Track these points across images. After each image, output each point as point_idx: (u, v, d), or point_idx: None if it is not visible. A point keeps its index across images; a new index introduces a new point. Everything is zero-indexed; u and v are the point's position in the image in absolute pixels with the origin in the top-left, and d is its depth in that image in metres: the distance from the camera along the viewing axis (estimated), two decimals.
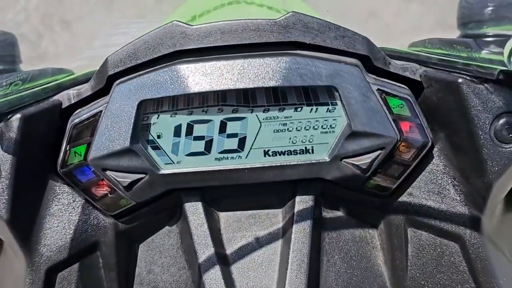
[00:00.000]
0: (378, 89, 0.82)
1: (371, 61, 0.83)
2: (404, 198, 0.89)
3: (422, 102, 0.87)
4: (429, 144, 0.85)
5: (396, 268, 0.93)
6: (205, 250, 0.88)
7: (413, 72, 0.87)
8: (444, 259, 0.88)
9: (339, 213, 0.96)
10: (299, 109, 0.83)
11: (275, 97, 0.83)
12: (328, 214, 0.95)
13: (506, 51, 0.69)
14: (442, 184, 0.87)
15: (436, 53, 0.86)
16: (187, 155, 0.85)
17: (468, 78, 0.79)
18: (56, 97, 0.87)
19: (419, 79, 0.86)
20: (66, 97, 0.87)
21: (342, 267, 0.94)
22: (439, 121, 0.86)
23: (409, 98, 0.83)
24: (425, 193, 0.88)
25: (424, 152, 0.85)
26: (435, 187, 0.88)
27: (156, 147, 0.84)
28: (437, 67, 0.85)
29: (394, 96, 0.83)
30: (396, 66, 0.86)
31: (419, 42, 0.92)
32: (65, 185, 0.89)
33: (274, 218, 0.93)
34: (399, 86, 0.85)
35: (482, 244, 0.84)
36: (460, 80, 0.79)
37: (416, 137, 0.84)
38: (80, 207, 0.89)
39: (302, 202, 0.89)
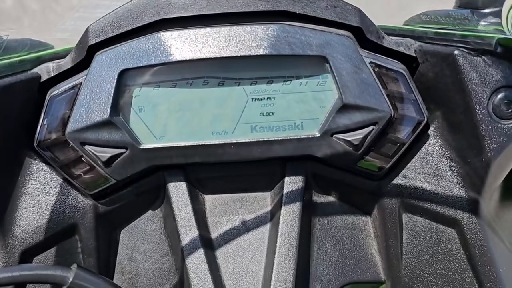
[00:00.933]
0: (371, 62, 0.78)
1: (363, 35, 0.80)
2: (398, 180, 0.85)
3: (417, 80, 0.83)
4: (424, 121, 0.81)
5: (390, 257, 0.89)
6: (188, 232, 0.84)
7: (407, 47, 0.83)
8: (440, 246, 0.84)
9: (331, 198, 0.92)
10: (288, 82, 0.79)
11: (263, 69, 0.79)
12: (319, 198, 0.91)
13: (504, 12, 0.66)
14: (438, 165, 0.83)
15: (432, 27, 0.82)
16: (170, 129, 0.80)
17: (465, 50, 0.76)
18: (34, 70, 0.83)
19: (413, 54, 0.83)
20: (45, 70, 0.83)
21: (334, 256, 0.90)
22: (435, 98, 0.82)
23: (403, 72, 0.80)
24: (420, 175, 0.84)
25: (419, 130, 0.82)
26: (430, 168, 0.84)
27: (138, 121, 0.80)
28: (433, 42, 0.81)
29: (388, 69, 0.79)
30: (390, 40, 0.83)
31: (415, 17, 0.88)
32: (42, 163, 0.85)
33: (262, 201, 0.89)
34: (393, 61, 0.81)
35: (481, 229, 0.80)
36: (456, 52, 0.76)
37: (410, 114, 0.80)
38: (57, 186, 0.85)
39: (292, 183, 0.85)
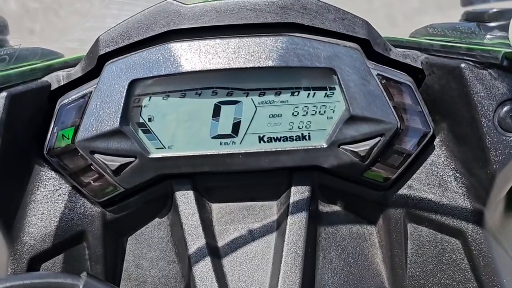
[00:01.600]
0: (378, 74, 0.79)
1: (370, 47, 0.81)
2: (404, 191, 0.86)
3: (424, 92, 0.84)
4: (430, 133, 0.82)
5: (395, 266, 0.89)
6: (195, 241, 0.84)
7: (414, 59, 0.84)
8: (445, 257, 0.84)
9: (336, 208, 0.92)
10: (296, 94, 0.80)
11: (271, 80, 0.80)
12: (325, 208, 0.92)
13: (511, 26, 0.67)
14: (444, 176, 0.84)
15: (438, 40, 0.83)
16: (179, 139, 0.81)
17: (471, 63, 0.77)
18: (45, 78, 0.84)
19: (420, 67, 0.84)
20: (55, 79, 0.84)
21: (339, 265, 0.90)
22: (441, 110, 0.83)
23: (410, 84, 0.81)
24: (426, 185, 0.85)
25: (424, 142, 0.82)
26: (436, 179, 0.84)
27: (147, 131, 0.81)
28: (439, 54, 0.82)
29: (395, 81, 0.80)
30: (396, 52, 0.84)
31: (421, 29, 0.89)
32: (51, 171, 0.85)
33: (268, 210, 0.90)
34: (400, 73, 0.82)
35: (485, 239, 0.80)
36: (462, 65, 0.76)
37: (417, 125, 0.81)
38: (66, 194, 0.85)
39: (298, 192, 0.86)
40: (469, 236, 0.81)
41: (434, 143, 0.85)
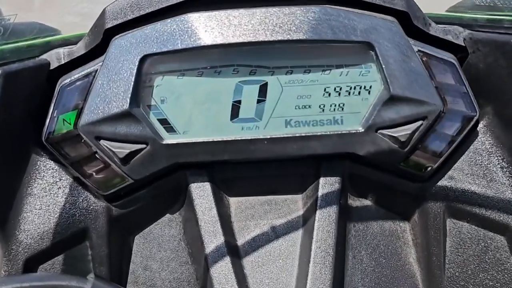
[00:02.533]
0: (419, 51, 0.71)
1: (409, 21, 0.72)
2: (444, 182, 0.78)
3: (466, 72, 0.76)
4: (476, 117, 0.74)
5: (431, 267, 0.81)
6: (213, 239, 0.75)
7: (456, 36, 0.76)
8: (488, 255, 0.77)
9: (367, 202, 0.84)
10: (327, 72, 0.71)
11: (299, 57, 0.71)
12: (354, 202, 0.83)
13: None
14: (489, 165, 0.76)
15: (483, 14, 0.75)
16: (195, 123, 0.72)
17: None
18: (43, 56, 0.76)
19: (462, 44, 0.75)
20: (55, 57, 0.75)
21: (370, 265, 0.82)
22: (485, 92, 0.75)
23: (454, 62, 0.73)
24: (469, 176, 0.77)
25: (469, 127, 0.74)
26: (480, 169, 0.76)
27: (159, 114, 0.72)
28: (485, 30, 0.74)
29: (437, 59, 0.72)
30: (436, 28, 0.76)
31: (459, 3, 0.81)
32: (50, 160, 0.77)
33: (293, 205, 0.81)
34: (441, 50, 0.74)
35: None
36: None
37: (461, 108, 0.73)
38: (67, 186, 0.77)
39: (327, 184, 0.77)
40: None
41: (478, 128, 0.77)
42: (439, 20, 0.80)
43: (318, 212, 0.76)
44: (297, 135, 0.73)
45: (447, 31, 0.76)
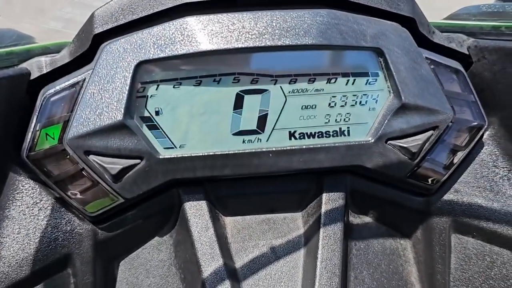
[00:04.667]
0: (427, 58, 0.68)
1: (414, 27, 0.70)
2: (450, 196, 0.75)
3: (470, 81, 0.73)
4: (485, 127, 0.71)
5: (435, 285, 0.78)
6: (211, 262, 0.69)
7: (459, 44, 0.73)
8: (494, 271, 0.74)
9: (368, 219, 0.80)
10: (332, 81, 0.67)
11: (303, 65, 0.67)
12: (355, 219, 0.79)
13: None
14: (495, 177, 0.74)
15: (488, 21, 0.73)
16: (193, 136, 0.67)
17: None
18: (23, 65, 0.69)
19: (466, 52, 0.73)
20: (36, 66, 0.69)
21: (371, 286, 0.77)
22: (491, 101, 0.73)
23: (462, 70, 0.70)
24: (475, 189, 0.74)
25: (478, 137, 0.71)
26: (486, 181, 0.74)
27: (154, 126, 0.66)
28: (490, 38, 0.72)
29: (446, 67, 0.69)
30: (440, 36, 0.73)
31: (458, 12, 0.79)
32: (30, 179, 0.70)
33: (292, 223, 0.76)
34: (447, 58, 0.71)
35: None
36: None
37: (469, 118, 0.70)
38: (49, 208, 0.69)
39: (331, 200, 0.73)
40: None
41: (483, 139, 0.74)
42: (441, 28, 0.77)
43: (322, 230, 0.71)
44: (303, 147, 0.68)
45: (451, 39, 0.74)
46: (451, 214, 0.75)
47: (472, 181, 0.74)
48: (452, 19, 0.80)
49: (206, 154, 0.67)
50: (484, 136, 0.75)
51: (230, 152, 0.67)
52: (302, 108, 0.68)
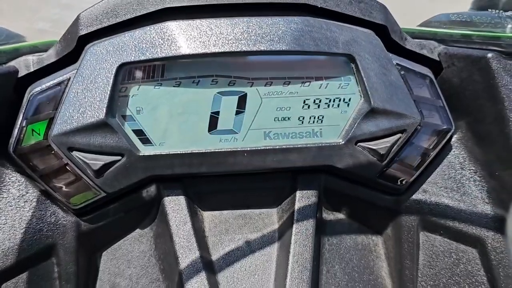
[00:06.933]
0: (397, 64, 0.71)
1: (386, 34, 0.73)
2: (418, 195, 0.78)
3: (440, 86, 0.76)
4: (452, 131, 0.74)
5: (404, 280, 0.81)
6: (188, 254, 0.73)
7: (431, 50, 0.77)
8: (459, 268, 0.77)
9: (340, 215, 0.83)
10: (306, 84, 0.71)
11: (279, 69, 0.70)
12: (328, 216, 0.83)
13: None
14: (462, 179, 0.77)
15: (457, 29, 0.76)
16: (172, 135, 0.70)
17: (497, 53, 0.70)
18: (12, 63, 0.71)
19: (437, 58, 0.76)
20: (24, 64, 0.72)
21: (343, 280, 0.81)
22: (459, 106, 0.76)
23: (430, 76, 0.73)
24: (442, 189, 0.77)
25: (445, 141, 0.75)
26: (453, 182, 0.77)
27: (135, 125, 0.69)
28: (459, 45, 0.75)
29: (415, 73, 0.72)
30: (412, 42, 0.76)
31: (431, 19, 0.82)
32: (16, 172, 0.72)
33: (267, 219, 0.80)
34: (417, 64, 0.75)
35: (506, 248, 0.73)
36: (489, 55, 0.70)
37: (437, 122, 0.74)
38: (34, 200, 0.72)
39: (304, 197, 0.76)
40: (489, 245, 0.73)
41: (451, 142, 0.78)
42: (414, 34, 0.81)
43: (294, 225, 0.75)
44: (276, 147, 0.72)
45: (423, 46, 0.77)
46: (419, 213, 0.78)
47: (439, 182, 0.78)
48: (425, 26, 0.84)
49: (184, 152, 0.70)
50: (452, 140, 0.78)
51: (207, 151, 0.71)
52: (277, 110, 0.71)
